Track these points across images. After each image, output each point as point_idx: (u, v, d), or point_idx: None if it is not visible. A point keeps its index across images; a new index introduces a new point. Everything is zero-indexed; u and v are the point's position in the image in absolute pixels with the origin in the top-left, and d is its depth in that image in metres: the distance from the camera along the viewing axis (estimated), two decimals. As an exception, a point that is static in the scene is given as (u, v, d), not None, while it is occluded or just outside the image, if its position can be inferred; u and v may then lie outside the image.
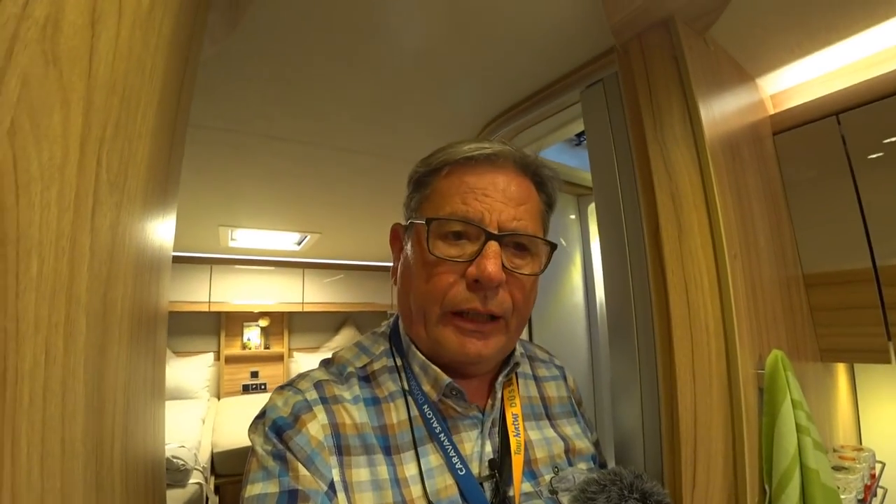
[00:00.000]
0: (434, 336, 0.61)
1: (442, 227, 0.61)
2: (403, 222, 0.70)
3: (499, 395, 0.68)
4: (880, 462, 1.22)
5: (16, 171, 0.21)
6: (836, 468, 1.02)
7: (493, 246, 0.59)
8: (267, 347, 4.45)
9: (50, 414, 0.23)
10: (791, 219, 1.13)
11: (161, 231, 0.50)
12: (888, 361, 0.97)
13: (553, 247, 0.65)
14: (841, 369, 1.33)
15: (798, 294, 1.08)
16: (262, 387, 4.34)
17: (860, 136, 1.02)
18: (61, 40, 0.24)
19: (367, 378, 0.65)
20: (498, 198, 0.61)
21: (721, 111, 0.90)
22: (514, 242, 0.62)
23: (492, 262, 0.57)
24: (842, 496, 0.87)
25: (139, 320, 0.41)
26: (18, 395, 0.21)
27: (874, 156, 0.99)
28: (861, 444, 1.37)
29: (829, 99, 1.07)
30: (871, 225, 1.00)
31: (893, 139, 0.97)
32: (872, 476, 1.12)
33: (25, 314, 0.22)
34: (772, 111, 1.21)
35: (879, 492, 1.17)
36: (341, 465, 0.55)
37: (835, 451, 1.13)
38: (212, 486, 2.76)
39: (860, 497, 0.98)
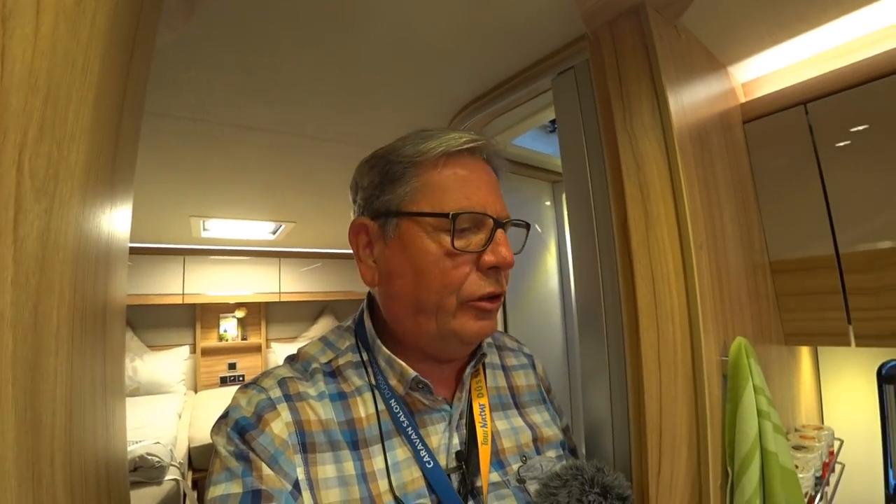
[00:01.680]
0: (450, 327, 0.61)
1: (457, 223, 0.61)
2: (365, 216, 0.66)
3: (467, 387, 0.68)
4: (839, 439, 1.27)
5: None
6: (797, 447, 1.06)
7: (502, 233, 0.62)
8: (244, 338, 4.40)
9: (-31, 438, 0.22)
10: (759, 207, 1.15)
11: (111, 224, 0.47)
12: (848, 344, 1.01)
13: (529, 227, 0.70)
14: (805, 352, 1.37)
15: (764, 280, 1.10)
16: (241, 378, 4.31)
17: (827, 125, 1.03)
18: (-36, 41, 0.22)
19: (333, 373, 0.65)
20: (489, 189, 0.64)
21: (691, 100, 0.90)
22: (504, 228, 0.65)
23: (506, 247, 0.62)
24: (800, 475, 0.91)
25: (84, 323, 0.39)
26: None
27: (840, 144, 1.01)
28: (823, 423, 1.43)
29: (797, 88, 1.08)
30: (835, 213, 1.02)
31: (859, 128, 0.98)
32: (831, 453, 1.17)
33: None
34: (743, 99, 1.22)
35: (837, 467, 1.22)
36: (306, 462, 0.55)
37: (797, 430, 1.17)
38: (190, 482, 2.74)
39: (818, 474, 1.02)
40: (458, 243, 0.60)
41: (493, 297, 0.63)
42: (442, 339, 0.63)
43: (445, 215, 0.59)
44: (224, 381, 4.25)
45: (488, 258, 0.61)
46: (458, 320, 0.61)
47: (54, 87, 0.29)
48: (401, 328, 0.66)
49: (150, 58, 0.64)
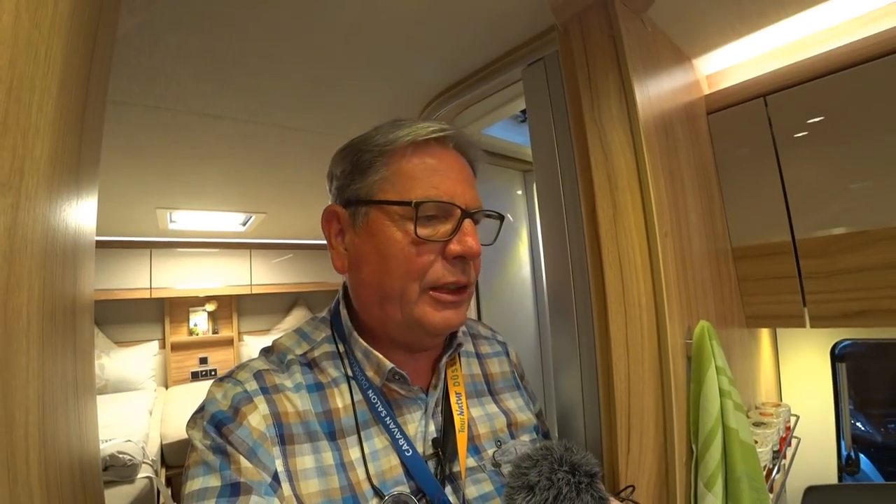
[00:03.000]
0: (413, 315, 0.62)
1: (421, 211, 0.61)
2: (337, 204, 0.67)
3: (442, 376, 0.69)
4: (795, 415, 1.34)
5: None
6: (757, 424, 1.11)
7: (470, 222, 0.62)
8: (215, 332, 4.31)
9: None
10: (722, 195, 1.19)
11: (77, 217, 0.46)
12: (803, 325, 1.06)
13: (503, 219, 0.70)
14: (764, 334, 1.44)
15: (727, 266, 1.15)
16: (213, 373, 4.22)
17: (784, 117, 1.08)
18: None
19: (310, 364, 0.65)
20: (459, 179, 0.64)
21: (657, 92, 0.92)
22: (475, 218, 0.66)
23: (472, 237, 0.62)
24: (759, 449, 0.96)
25: (54, 319, 0.39)
26: None
27: (797, 135, 1.06)
28: (781, 400, 1.50)
29: (757, 81, 1.12)
30: (792, 201, 1.07)
31: (815, 120, 1.03)
32: (788, 429, 1.23)
33: None
34: (707, 91, 1.26)
35: (794, 441, 1.29)
36: (284, 454, 0.55)
37: (756, 408, 1.23)
38: (163, 479, 2.69)
39: (776, 448, 1.07)
40: (422, 231, 0.60)
41: (459, 289, 0.64)
42: (408, 328, 0.63)
43: (409, 203, 0.60)
44: (195, 376, 4.16)
45: (454, 247, 0.61)
46: (419, 308, 0.62)
47: (17, 79, 0.28)
48: (368, 315, 0.66)
49: (112, 44, 0.62)
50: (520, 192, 1.64)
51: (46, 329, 0.35)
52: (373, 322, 0.66)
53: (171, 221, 3.03)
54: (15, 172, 0.28)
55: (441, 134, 0.64)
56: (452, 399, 0.69)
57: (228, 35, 0.97)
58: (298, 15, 0.91)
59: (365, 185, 0.64)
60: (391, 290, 0.62)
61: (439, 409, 0.68)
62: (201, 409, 0.57)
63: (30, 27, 0.29)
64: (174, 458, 2.87)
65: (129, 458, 2.14)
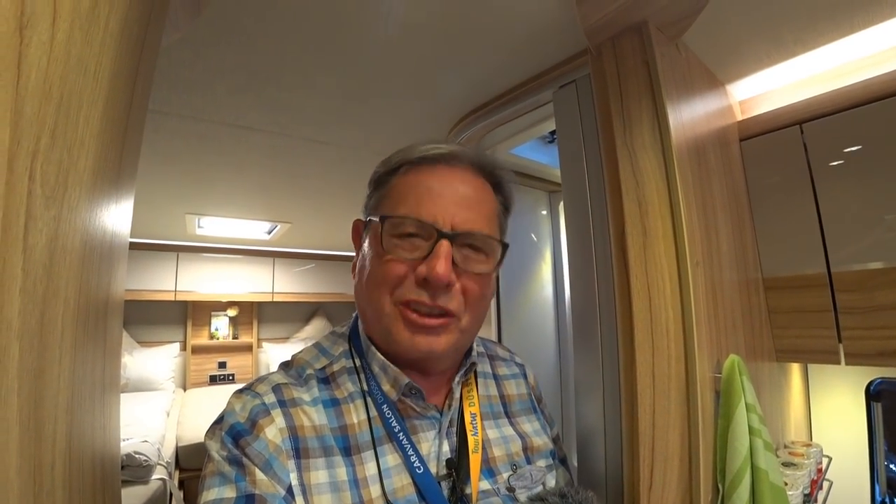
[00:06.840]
0: (386, 326, 0.62)
1: (396, 227, 0.61)
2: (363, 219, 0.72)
3: (456, 395, 0.68)
4: (827, 456, 1.28)
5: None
6: (786, 464, 1.06)
7: (444, 245, 0.59)
8: (235, 337, 4.37)
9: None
10: (753, 223, 1.16)
11: (113, 222, 0.47)
12: (838, 362, 1.02)
13: (506, 246, 0.67)
14: (795, 369, 1.38)
15: (757, 297, 1.11)
16: (230, 377, 4.27)
17: (821, 145, 1.05)
18: (-16, 50, 0.22)
19: (327, 380, 0.65)
20: (453, 199, 0.62)
21: (690, 117, 0.91)
22: (467, 242, 0.63)
23: (441, 261, 0.58)
24: (789, 492, 0.91)
25: (87, 325, 0.39)
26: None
27: (834, 164, 1.03)
28: (812, 439, 1.44)
29: (793, 108, 1.09)
30: (828, 232, 1.04)
31: (852, 149, 1.00)
32: (819, 470, 1.18)
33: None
34: (740, 117, 1.24)
35: (825, 484, 1.23)
36: (299, 468, 0.55)
37: (786, 447, 1.18)
38: (176, 481, 2.71)
39: (807, 491, 1.02)
40: (389, 244, 0.61)
41: (439, 315, 0.61)
42: (386, 340, 0.63)
43: (382, 218, 0.62)
44: (213, 380, 4.21)
45: (421, 269, 0.59)
46: (391, 321, 0.61)
47: (67, 94, 0.29)
48: (366, 325, 0.68)
49: (155, 58, 0.64)
50: (544, 213, 1.62)
51: (79, 336, 0.36)
52: (371, 334, 0.67)
53: (198, 227, 3.10)
54: (59, 185, 0.29)
55: (435, 153, 0.65)
56: (467, 419, 0.68)
57: (263, 51, 0.99)
58: (333, 32, 0.93)
59: (372, 202, 0.69)
60: (371, 298, 0.63)
61: (454, 429, 0.67)
62: (220, 419, 0.58)
63: (81, 44, 0.30)
64: (188, 461, 2.89)
65: (144, 458, 2.17)
